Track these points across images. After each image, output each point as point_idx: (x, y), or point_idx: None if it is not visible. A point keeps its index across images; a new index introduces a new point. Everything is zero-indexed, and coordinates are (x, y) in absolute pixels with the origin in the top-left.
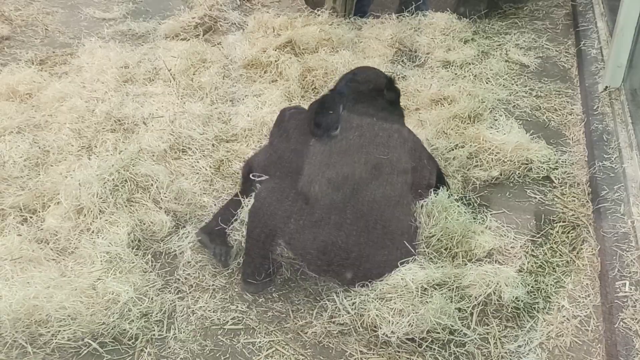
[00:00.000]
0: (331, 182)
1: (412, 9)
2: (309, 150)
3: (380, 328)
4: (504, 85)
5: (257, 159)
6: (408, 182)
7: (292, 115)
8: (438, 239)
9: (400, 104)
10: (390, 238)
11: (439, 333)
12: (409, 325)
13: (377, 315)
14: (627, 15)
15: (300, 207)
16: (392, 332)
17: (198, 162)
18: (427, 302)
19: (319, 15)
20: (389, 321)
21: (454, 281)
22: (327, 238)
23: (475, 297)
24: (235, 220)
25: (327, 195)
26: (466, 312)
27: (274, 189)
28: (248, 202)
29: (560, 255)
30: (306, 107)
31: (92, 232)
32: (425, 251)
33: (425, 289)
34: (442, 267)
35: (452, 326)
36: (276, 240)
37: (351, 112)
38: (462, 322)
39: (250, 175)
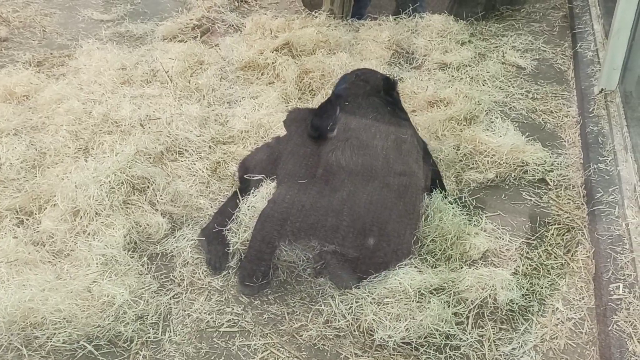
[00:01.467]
0: (346, 173)
1: (409, 11)
2: (316, 149)
3: (377, 332)
4: (500, 88)
5: (254, 159)
6: (416, 178)
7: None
8: (432, 240)
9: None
10: (401, 227)
11: (435, 338)
12: (406, 330)
13: (374, 320)
14: (622, 18)
15: (319, 200)
16: (389, 336)
17: (195, 164)
18: (424, 307)
19: (316, 17)
20: (386, 326)
21: (451, 286)
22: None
23: (472, 301)
24: (233, 221)
25: (346, 185)
26: (462, 316)
27: (287, 192)
28: (245, 202)
29: (555, 257)
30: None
31: (88, 234)
32: (419, 252)
33: (423, 294)
34: (439, 272)
35: (449, 331)
36: (282, 243)
37: (351, 113)
38: (458, 326)
39: (245, 176)
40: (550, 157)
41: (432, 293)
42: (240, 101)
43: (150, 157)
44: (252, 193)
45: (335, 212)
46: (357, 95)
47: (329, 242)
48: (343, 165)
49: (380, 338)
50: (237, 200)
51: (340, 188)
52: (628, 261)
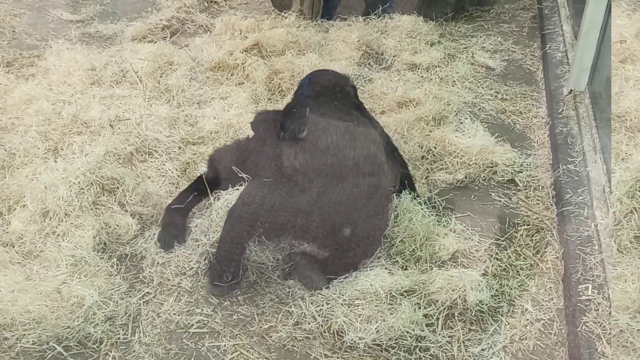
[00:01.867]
0: (313, 175)
1: (378, 11)
2: (284, 151)
3: (348, 334)
4: (469, 88)
5: (226, 154)
6: (385, 178)
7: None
8: (401, 240)
9: (363, 103)
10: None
11: (406, 340)
12: (376, 332)
13: (344, 322)
14: (591, 19)
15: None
16: (359, 338)
17: (164, 164)
18: (395, 309)
19: (286, 17)
20: (357, 327)
21: (422, 288)
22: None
23: (442, 303)
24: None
25: (314, 187)
26: (432, 317)
27: (257, 193)
28: (216, 195)
29: (524, 258)
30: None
31: (58, 235)
32: (389, 253)
33: (394, 295)
34: (410, 273)
35: (420, 333)
36: (251, 244)
37: (319, 114)
38: (428, 328)
39: (233, 168)
40: (520, 157)
41: (402, 295)
42: (209, 102)
43: (119, 158)
44: (228, 192)
45: (305, 212)
46: (323, 97)
47: (299, 243)
48: (312, 166)
49: (351, 340)
50: (208, 193)
51: (309, 189)
52: (597, 262)
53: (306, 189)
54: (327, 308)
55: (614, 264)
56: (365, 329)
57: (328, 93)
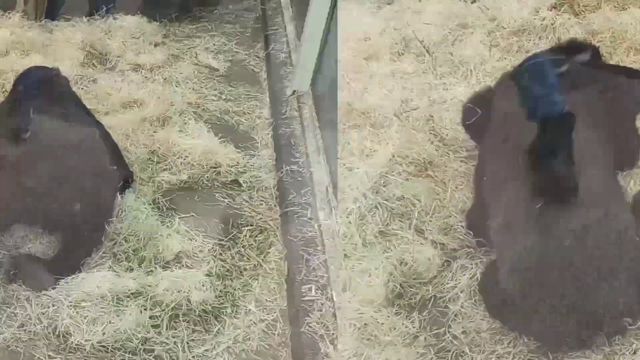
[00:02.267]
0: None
1: (102, 12)
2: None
3: (73, 335)
4: (193, 89)
5: None
6: (106, 178)
7: None
8: (125, 238)
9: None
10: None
11: (132, 342)
12: (103, 334)
13: (70, 324)
14: (315, 20)
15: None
16: (85, 340)
17: None
18: (122, 312)
19: (10, 18)
20: (83, 329)
21: (148, 290)
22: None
23: (167, 304)
24: None
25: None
26: (158, 318)
27: None
28: None
29: (247, 259)
30: None
31: None
32: (113, 252)
33: (121, 298)
34: (137, 276)
35: (146, 335)
36: None
37: (38, 112)
38: (154, 329)
39: None
40: (244, 158)
41: (129, 297)
42: None
43: None
44: None
45: (27, 212)
46: (37, 93)
47: (22, 242)
48: (33, 165)
49: (77, 341)
50: None
51: (33, 189)
52: (320, 262)
53: (29, 189)
54: (53, 310)
55: (359, 258)
56: (92, 330)
57: (43, 90)
